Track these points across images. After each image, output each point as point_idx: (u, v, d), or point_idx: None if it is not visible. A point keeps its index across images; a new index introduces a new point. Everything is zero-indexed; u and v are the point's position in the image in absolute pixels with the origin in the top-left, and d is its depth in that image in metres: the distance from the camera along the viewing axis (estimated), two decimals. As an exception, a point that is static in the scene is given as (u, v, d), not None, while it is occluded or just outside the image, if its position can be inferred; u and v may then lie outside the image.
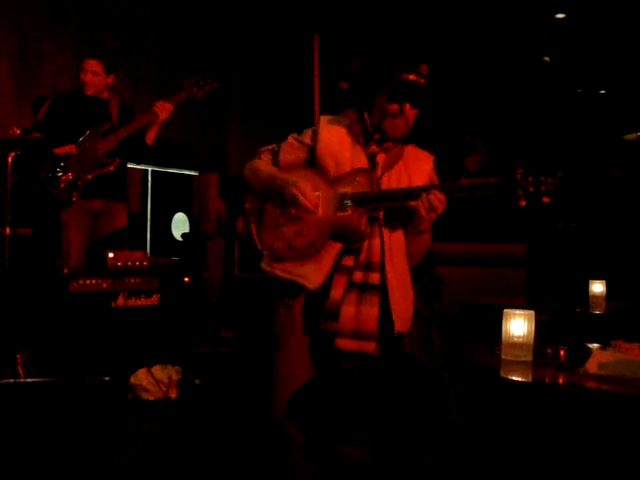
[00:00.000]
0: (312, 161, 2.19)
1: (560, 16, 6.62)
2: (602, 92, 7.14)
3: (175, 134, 6.33)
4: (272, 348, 2.19)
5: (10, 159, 3.41)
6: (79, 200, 3.96)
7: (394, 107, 2.05)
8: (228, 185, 5.84)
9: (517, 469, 1.86)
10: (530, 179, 1.87)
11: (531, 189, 1.87)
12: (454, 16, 6.40)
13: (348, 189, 2.09)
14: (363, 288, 2.07)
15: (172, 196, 6.33)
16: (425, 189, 1.98)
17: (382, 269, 2.07)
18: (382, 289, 2.07)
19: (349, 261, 2.08)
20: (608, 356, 1.79)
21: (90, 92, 4.09)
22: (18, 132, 3.42)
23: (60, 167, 3.91)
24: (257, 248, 2.20)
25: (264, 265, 2.17)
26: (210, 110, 6.67)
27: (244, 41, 6.85)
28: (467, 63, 6.56)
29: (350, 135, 2.16)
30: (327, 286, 2.07)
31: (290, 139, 2.24)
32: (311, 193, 2.09)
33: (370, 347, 2.04)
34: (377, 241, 2.09)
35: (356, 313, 2.05)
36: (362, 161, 2.13)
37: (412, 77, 2.03)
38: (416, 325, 2.17)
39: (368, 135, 2.15)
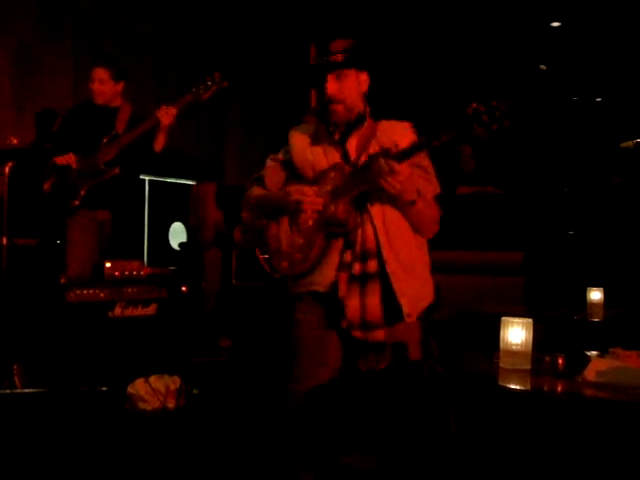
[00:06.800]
0: (293, 173, 2.29)
1: (556, 24, 6.66)
2: (598, 100, 7.17)
3: (173, 143, 6.34)
4: (291, 353, 2.22)
5: (7, 169, 3.41)
6: (84, 211, 3.92)
7: (324, 89, 2.15)
8: (226, 194, 5.83)
9: (515, 478, 1.85)
10: (482, 109, 1.88)
11: (485, 118, 1.87)
12: (452, 25, 6.44)
13: (327, 188, 2.16)
14: (364, 279, 2.11)
15: (169, 205, 6.32)
16: (384, 155, 1.98)
17: (378, 255, 2.10)
18: (382, 275, 2.10)
19: (348, 256, 2.13)
20: (606, 364, 1.79)
21: (99, 101, 4.04)
22: (15, 142, 3.40)
23: (61, 176, 3.88)
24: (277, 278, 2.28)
25: (291, 289, 2.25)
26: (208, 119, 6.69)
27: (242, 51, 6.87)
28: (464, 71, 6.59)
29: (316, 137, 2.26)
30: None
31: (268, 162, 2.37)
32: (309, 189, 2.18)
33: (378, 335, 2.08)
34: (369, 228, 2.12)
35: (361, 305, 2.09)
36: (335, 155, 2.21)
37: (325, 57, 2.14)
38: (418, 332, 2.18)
39: (329, 130, 2.23)
